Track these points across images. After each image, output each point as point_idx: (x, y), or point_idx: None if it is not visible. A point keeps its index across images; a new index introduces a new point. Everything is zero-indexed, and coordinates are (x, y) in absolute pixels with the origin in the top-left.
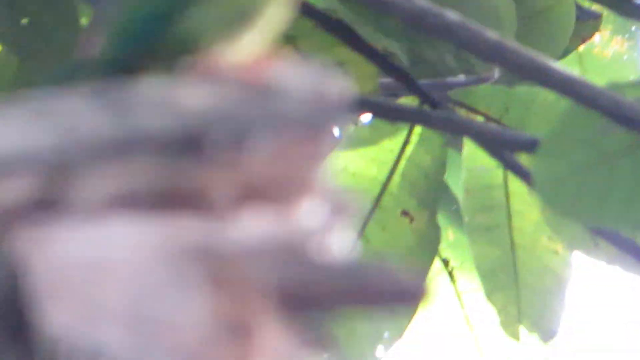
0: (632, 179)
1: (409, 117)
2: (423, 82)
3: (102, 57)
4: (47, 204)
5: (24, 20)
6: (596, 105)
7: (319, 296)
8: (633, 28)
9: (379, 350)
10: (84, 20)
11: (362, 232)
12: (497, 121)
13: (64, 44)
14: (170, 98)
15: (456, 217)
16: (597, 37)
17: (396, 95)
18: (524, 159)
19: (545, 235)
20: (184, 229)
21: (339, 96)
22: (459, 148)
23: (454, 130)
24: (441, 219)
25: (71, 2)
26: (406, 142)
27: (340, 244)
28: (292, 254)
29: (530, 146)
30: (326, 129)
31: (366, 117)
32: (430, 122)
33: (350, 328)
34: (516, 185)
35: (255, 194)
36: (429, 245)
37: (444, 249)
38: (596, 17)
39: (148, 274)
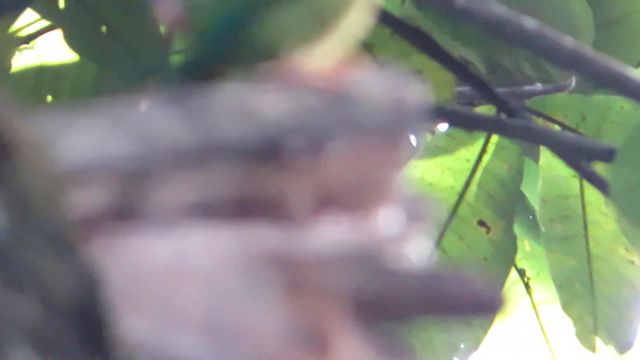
0: None
1: (485, 126)
2: (500, 90)
3: (181, 62)
4: (125, 212)
5: (103, 29)
6: None
7: (395, 305)
8: None
9: None
10: (162, 28)
11: (438, 242)
12: (574, 130)
13: (142, 51)
14: (249, 105)
15: (533, 227)
16: None
17: (473, 104)
18: (600, 168)
19: (621, 245)
20: (261, 236)
21: (416, 104)
22: (535, 157)
23: (530, 139)
24: (517, 229)
25: (150, 9)
26: (483, 151)
27: (416, 252)
28: (369, 262)
29: (607, 155)
30: (403, 137)
31: (443, 126)
32: (507, 131)
33: (426, 338)
34: (593, 194)
35: (333, 201)
36: (505, 256)
37: (520, 260)
38: None
39: (225, 282)
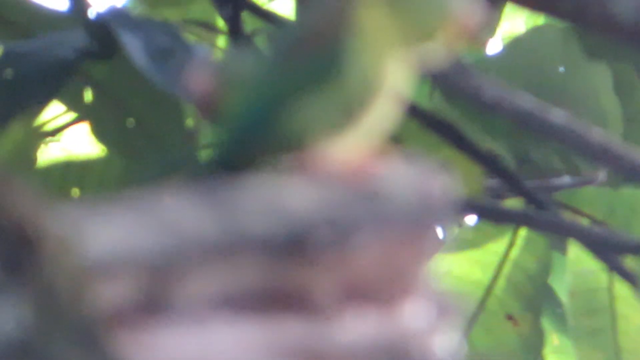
0: None
1: (514, 219)
2: (528, 183)
3: (209, 155)
4: (151, 306)
5: (130, 121)
6: None
7: None
8: None
9: None
10: (189, 121)
11: (466, 335)
12: (603, 223)
13: (169, 144)
14: (276, 198)
15: (561, 321)
16: None
17: (501, 197)
18: (630, 262)
19: None
20: (287, 329)
21: (444, 197)
22: (563, 250)
23: (559, 233)
24: (545, 323)
25: (176, 102)
26: (511, 244)
27: (444, 346)
28: (396, 356)
29: (636, 249)
30: (431, 231)
31: (471, 219)
32: (536, 224)
33: None
34: (621, 288)
35: (359, 294)
36: (533, 350)
37: (549, 354)
38: None
39: None
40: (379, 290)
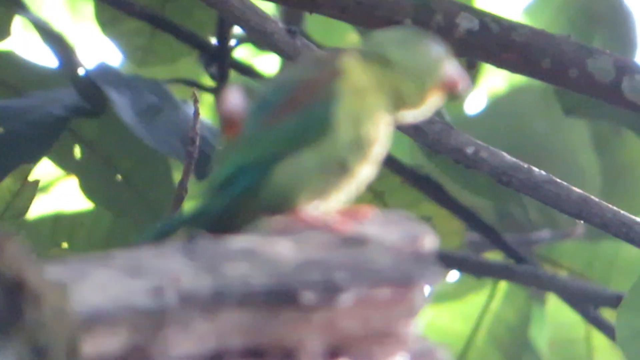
0: None
1: (494, 272)
2: (508, 237)
3: (197, 211)
4: (142, 356)
5: (118, 178)
6: None
7: None
8: None
9: None
10: (176, 176)
11: None
12: (581, 276)
13: (156, 200)
14: (263, 254)
15: None
16: None
17: (481, 250)
18: (607, 314)
19: None
20: None
21: (426, 252)
22: (542, 302)
23: (538, 285)
24: None
25: (164, 159)
26: (491, 297)
27: None
28: None
29: (613, 301)
30: (415, 284)
31: (452, 272)
32: (515, 277)
33: None
34: (599, 339)
35: (346, 345)
36: None
37: None
38: None
39: None
40: (364, 343)
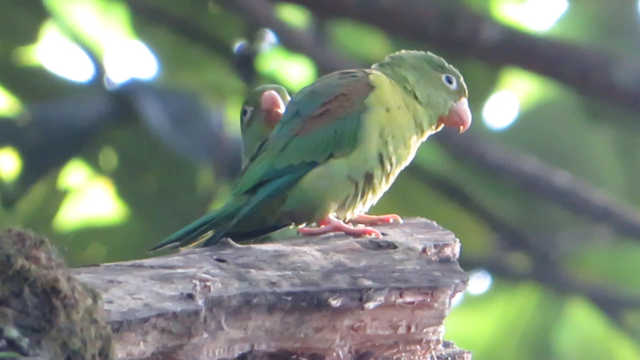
0: None
1: (519, 276)
2: (533, 241)
3: (226, 213)
4: None
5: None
6: None
7: None
8: None
9: None
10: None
11: None
12: (606, 279)
13: (188, 207)
14: (291, 258)
15: None
16: None
17: (506, 254)
18: (631, 317)
19: None
20: None
21: (452, 257)
22: (567, 304)
23: (564, 289)
24: None
25: (192, 165)
26: (516, 300)
27: None
28: None
29: (637, 305)
30: (441, 290)
31: (477, 276)
32: (541, 280)
33: None
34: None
35: (373, 351)
36: None
37: None
38: None
39: None
40: (391, 351)
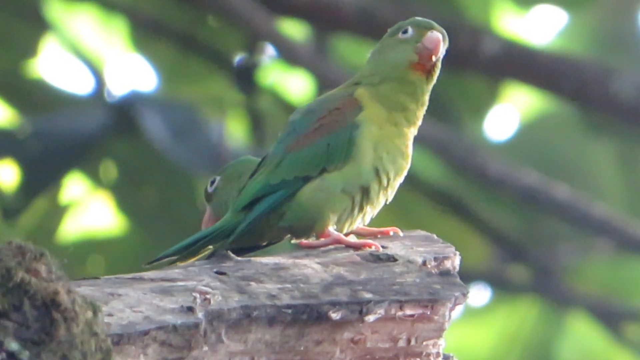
0: None
1: (520, 288)
2: (533, 253)
3: (224, 228)
4: None
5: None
6: None
7: None
8: None
9: None
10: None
11: None
12: (609, 292)
13: (188, 219)
14: (291, 271)
15: None
16: None
17: (507, 266)
18: (631, 329)
19: None
20: None
21: (452, 270)
22: (567, 316)
23: (565, 301)
24: None
25: (191, 178)
26: (516, 312)
27: None
28: None
29: (637, 317)
30: (441, 303)
31: (477, 288)
32: (542, 292)
33: None
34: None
35: None
36: None
37: None
38: None
39: None
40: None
